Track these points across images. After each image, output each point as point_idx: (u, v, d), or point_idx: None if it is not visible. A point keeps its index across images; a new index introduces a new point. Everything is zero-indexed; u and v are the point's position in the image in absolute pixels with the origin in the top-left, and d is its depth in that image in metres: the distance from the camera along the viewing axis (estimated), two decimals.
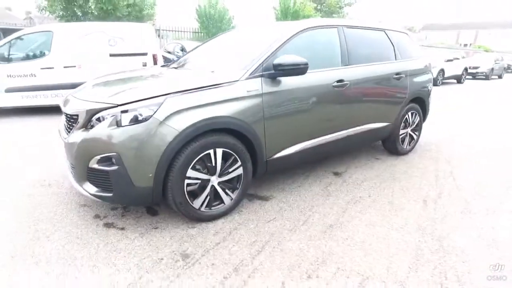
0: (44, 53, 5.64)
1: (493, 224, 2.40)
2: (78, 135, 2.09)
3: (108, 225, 2.28)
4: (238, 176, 2.42)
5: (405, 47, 3.80)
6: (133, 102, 2.01)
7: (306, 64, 2.40)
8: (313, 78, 2.72)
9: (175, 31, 17.52)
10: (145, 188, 2.04)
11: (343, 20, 3.19)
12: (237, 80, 2.32)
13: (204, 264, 1.89)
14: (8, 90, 5.49)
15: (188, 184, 2.17)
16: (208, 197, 2.29)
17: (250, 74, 2.38)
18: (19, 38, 5.58)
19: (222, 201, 2.38)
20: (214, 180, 2.29)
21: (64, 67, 5.63)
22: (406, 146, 3.94)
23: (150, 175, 2.01)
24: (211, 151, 2.20)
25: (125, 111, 2.00)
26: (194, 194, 2.25)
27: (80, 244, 2.06)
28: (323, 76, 2.80)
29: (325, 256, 1.98)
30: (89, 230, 2.21)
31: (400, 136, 3.81)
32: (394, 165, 3.64)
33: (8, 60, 5.44)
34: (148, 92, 2.07)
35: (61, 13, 10.74)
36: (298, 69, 2.41)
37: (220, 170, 2.29)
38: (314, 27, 2.85)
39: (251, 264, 1.90)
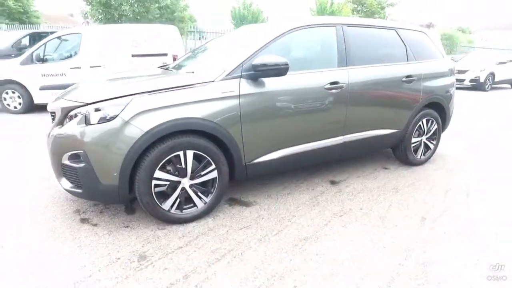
0: (73, 53, 6.07)
1: (498, 252, 2.06)
2: (54, 132, 2.16)
3: (83, 221, 2.33)
4: (213, 180, 2.35)
5: (421, 47, 3.45)
6: (101, 101, 2.03)
7: (286, 64, 2.27)
8: (301, 80, 2.57)
9: (211, 32, 17.93)
10: (111, 186, 2.05)
11: (345, 18, 2.97)
12: (212, 81, 2.26)
13: (157, 267, 1.85)
14: (42, 88, 5.98)
15: (156, 185, 2.15)
16: (179, 200, 2.25)
17: (227, 75, 2.30)
18: (52, 39, 6.05)
19: (195, 204, 2.33)
20: (186, 183, 2.24)
21: (91, 67, 6.00)
22: (420, 156, 3.58)
23: (115, 174, 2.02)
24: (181, 153, 2.16)
25: (98, 110, 2.04)
26: (165, 195, 2.23)
27: (51, 237, 2.12)
28: (313, 77, 2.63)
29: (285, 272, 1.83)
30: (64, 224, 2.28)
31: (412, 145, 3.47)
32: (403, 176, 3.32)
33: (42, 60, 5.93)
34: (117, 91, 2.09)
35: (100, 17, 11.61)
36: (277, 70, 2.28)
37: (192, 173, 2.23)
38: (306, 26, 2.69)
39: (205, 272, 1.81)
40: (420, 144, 3.54)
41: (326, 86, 2.65)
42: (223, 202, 2.66)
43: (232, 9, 17.48)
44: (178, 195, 2.24)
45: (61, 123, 2.18)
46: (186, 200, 2.30)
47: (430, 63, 3.43)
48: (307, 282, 1.75)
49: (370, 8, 22.21)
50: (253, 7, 16.95)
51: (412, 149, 3.48)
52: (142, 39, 6.29)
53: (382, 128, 3.16)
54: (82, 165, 2.02)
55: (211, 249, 2.03)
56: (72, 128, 2.04)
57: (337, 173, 3.34)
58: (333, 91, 2.69)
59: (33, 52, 5.89)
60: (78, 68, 5.96)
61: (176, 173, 2.20)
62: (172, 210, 2.25)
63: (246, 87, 2.33)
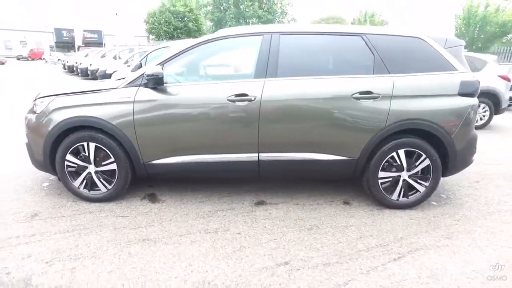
0: None
1: None
2: None
3: (48, 184, 3.20)
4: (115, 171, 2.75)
5: (408, 57, 2.65)
6: (39, 98, 2.81)
7: (160, 75, 2.43)
8: (201, 90, 2.61)
9: None
10: (40, 160, 2.79)
11: (283, 26, 2.68)
12: (115, 88, 2.66)
13: (30, 224, 2.43)
14: None
15: (68, 166, 2.74)
16: (85, 181, 2.77)
17: (128, 83, 2.65)
18: (152, 51, 7.81)
19: (100, 189, 2.80)
20: (92, 169, 2.74)
21: None
22: (398, 198, 2.75)
23: (40, 152, 2.74)
24: (85, 144, 2.67)
25: (41, 104, 2.81)
26: (79, 175, 2.80)
27: (20, 190, 3.05)
28: (216, 88, 2.59)
29: (75, 256, 2.05)
30: (35, 184, 3.20)
31: (381, 181, 2.72)
32: (351, 216, 2.68)
33: None
34: (48, 92, 2.82)
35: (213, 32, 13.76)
36: (156, 79, 2.48)
37: (94, 161, 2.71)
38: (222, 37, 2.66)
39: (42, 236, 2.26)
40: (398, 181, 2.72)
41: (229, 98, 2.55)
42: (141, 194, 3.00)
43: (352, 20, 16.59)
44: (84, 177, 2.77)
45: None
46: (94, 184, 2.80)
47: (414, 77, 2.59)
48: (75, 275, 1.93)
49: None
50: (375, 18, 15.50)
51: (380, 186, 2.73)
52: None
53: (322, 153, 2.67)
54: (26, 141, 2.86)
55: (75, 224, 2.45)
56: (27, 115, 2.91)
57: (277, 196, 3.02)
58: (239, 103, 2.55)
59: (139, 61, 7.79)
60: None
61: (88, 160, 2.72)
62: (81, 188, 2.80)
63: (143, 94, 2.60)
